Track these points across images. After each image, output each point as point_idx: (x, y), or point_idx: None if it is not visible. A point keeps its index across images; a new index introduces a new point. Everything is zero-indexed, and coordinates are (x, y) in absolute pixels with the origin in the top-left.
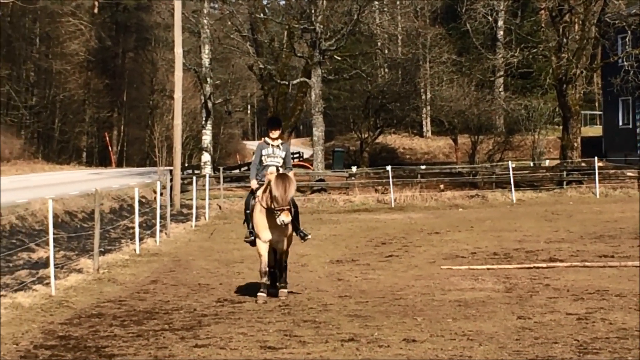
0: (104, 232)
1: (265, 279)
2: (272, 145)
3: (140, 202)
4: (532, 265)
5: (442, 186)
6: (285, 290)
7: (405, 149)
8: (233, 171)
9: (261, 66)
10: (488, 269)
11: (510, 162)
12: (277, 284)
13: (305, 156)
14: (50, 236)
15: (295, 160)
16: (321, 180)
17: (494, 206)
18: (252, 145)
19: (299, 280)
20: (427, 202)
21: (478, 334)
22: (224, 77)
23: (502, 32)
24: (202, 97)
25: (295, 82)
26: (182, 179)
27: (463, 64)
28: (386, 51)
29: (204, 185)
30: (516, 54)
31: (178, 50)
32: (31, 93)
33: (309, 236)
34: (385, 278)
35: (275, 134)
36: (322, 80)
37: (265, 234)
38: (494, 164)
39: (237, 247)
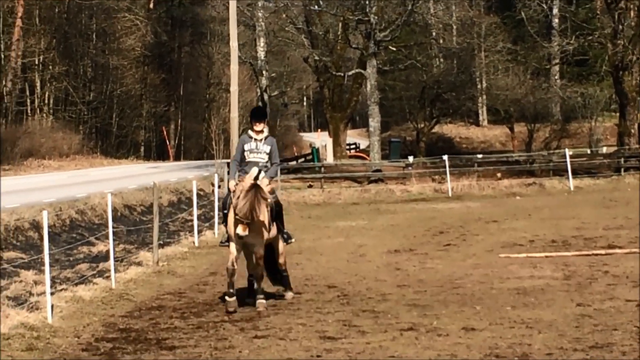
0: (163, 225)
1: (231, 278)
2: (256, 139)
3: (198, 194)
4: (590, 253)
5: (499, 175)
6: (291, 293)
7: (462, 138)
8: (290, 163)
9: (316, 58)
10: (546, 256)
11: (567, 150)
12: (257, 295)
13: (361, 147)
14: (110, 230)
15: (352, 151)
16: (378, 170)
17: (551, 194)
18: (308, 137)
19: (357, 270)
20: (484, 190)
21: (537, 321)
22: (280, 70)
23: (557, 20)
24: (258, 90)
25: (350, 73)
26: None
27: (518, 52)
28: (441, 41)
29: None
30: (572, 42)
31: (233, 43)
32: (89, 89)
33: (293, 240)
34: (444, 267)
35: (259, 126)
36: (377, 71)
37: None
38: (551, 151)
39: (296, 238)
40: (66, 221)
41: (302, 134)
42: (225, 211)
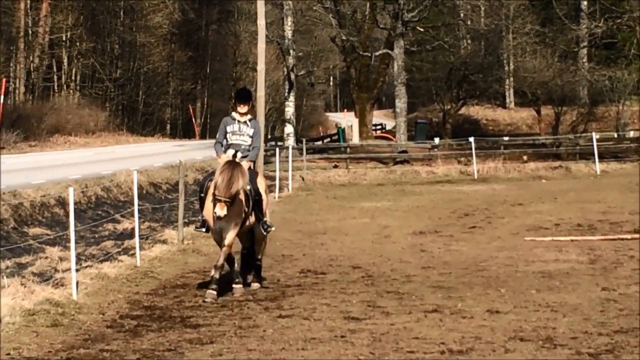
0: (188, 204)
1: (215, 273)
2: (239, 121)
3: None
4: (616, 237)
5: (525, 157)
6: (257, 284)
7: (488, 121)
8: (316, 143)
9: (344, 38)
10: (572, 240)
11: (594, 133)
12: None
13: (387, 128)
14: (135, 207)
15: (378, 132)
16: (404, 151)
17: (577, 177)
18: (334, 117)
19: (382, 251)
20: (510, 173)
21: (562, 305)
22: (307, 49)
23: (585, 3)
24: (285, 69)
25: (377, 53)
26: (265, 150)
27: (546, 34)
28: (469, 22)
29: (287, 157)
30: (600, 25)
31: (261, 22)
32: (115, 66)
33: (272, 228)
34: (469, 249)
35: (243, 108)
36: (404, 51)
37: (212, 221)
38: (578, 135)
39: (320, 218)
40: (92, 198)
41: (328, 114)
42: (202, 194)
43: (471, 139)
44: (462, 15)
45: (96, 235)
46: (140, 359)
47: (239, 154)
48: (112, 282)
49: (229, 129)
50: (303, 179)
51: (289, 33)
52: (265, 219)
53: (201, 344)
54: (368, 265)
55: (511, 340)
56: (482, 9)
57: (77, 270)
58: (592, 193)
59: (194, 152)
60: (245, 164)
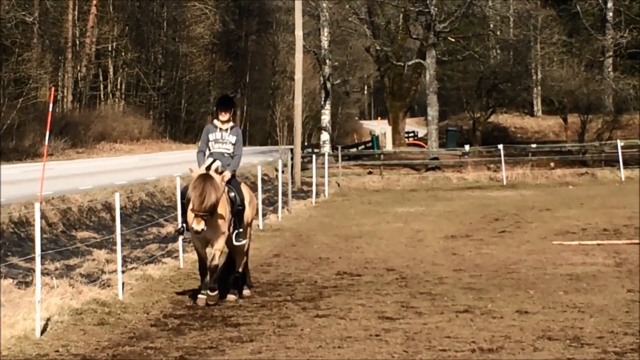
0: None
1: (205, 279)
2: (221, 129)
3: (262, 179)
4: None
5: (552, 164)
6: (248, 291)
7: (517, 128)
8: (351, 150)
9: (378, 48)
10: (598, 244)
11: (618, 141)
12: (202, 290)
13: (419, 135)
14: (179, 212)
15: (411, 139)
16: (435, 158)
17: (603, 184)
18: (368, 124)
19: (415, 254)
20: (538, 179)
21: (589, 306)
22: (342, 59)
23: (611, 14)
24: (321, 78)
25: (410, 63)
26: (302, 157)
27: (573, 44)
28: (498, 33)
29: (323, 164)
30: (625, 35)
31: (298, 33)
32: (159, 75)
33: (243, 242)
34: (499, 253)
35: (225, 116)
36: (436, 61)
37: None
38: (603, 142)
39: (356, 222)
40: (137, 203)
41: (362, 121)
42: (184, 200)
43: (500, 146)
44: (491, 26)
45: (141, 239)
46: (183, 356)
47: (214, 165)
48: (156, 283)
49: (211, 137)
50: (339, 184)
51: (325, 43)
52: (240, 230)
53: (241, 342)
54: (402, 268)
55: (539, 339)
56: (511, 20)
57: (122, 272)
58: (617, 199)
59: None
60: (228, 174)
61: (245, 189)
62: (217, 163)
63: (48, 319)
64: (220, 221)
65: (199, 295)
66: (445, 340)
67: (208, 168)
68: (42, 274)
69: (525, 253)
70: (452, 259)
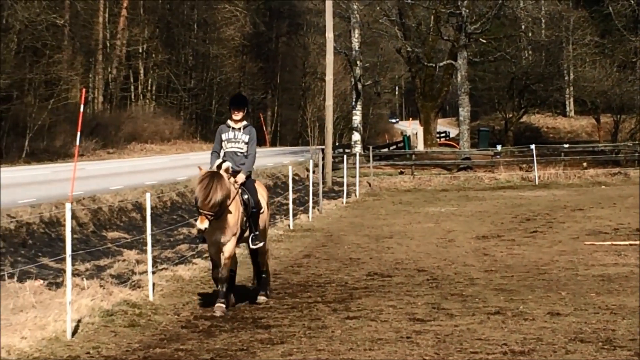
0: None
1: (219, 286)
2: (234, 128)
3: (293, 179)
4: None
5: (585, 164)
6: (264, 298)
7: (549, 128)
8: (382, 150)
9: (409, 49)
10: (631, 244)
11: None
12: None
13: (451, 135)
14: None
15: (442, 139)
16: (467, 158)
17: (635, 183)
18: (400, 125)
19: (446, 255)
20: (571, 179)
21: (621, 308)
22: (373, 60)
23: None
24: (352, 79)
25: (441, 64)
26: (333, 157)
27: (605, 45)
28: (530, 34)
29: (354, 164)
30: None
31: (329, 34)
32: (190, 76)
33: (260, 245)
34: (530, 253)
35: (238, 115)
36: (467, 62)
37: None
38: (636, 142)
39: (387, 222)
40: (167, 203)
41: (393, 121)
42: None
43: (532, 146)
44: (523, 27)
45: (171, 239)
46: (213, 358)
47: (224, 165)
48: (187, 284)
49: (224, 136)
50: (370, 184)
51: (356, 45)
52: (257, 233)
53: (272, 344)
54: (433, 269)
55: (572, 341)
56: (543, 21)
57: (153, 273)
58: None
59: (264, 159)
60: (241, 177)
61: (260, 187)
62: (227, 163)
63: (79, 321)
64: (230, 224)
65: (217, 305)
66: (477, 343)
67: (218, 167)
68: (73, 274)
69: (557, 254)
70: (484, 259)
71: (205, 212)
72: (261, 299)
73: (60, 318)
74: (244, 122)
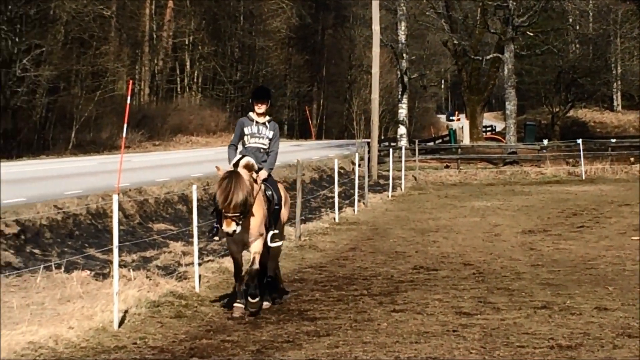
0: (305, 202)
1: (241, 286)
2: (258, 122)
3: (339, 172)
4: None
5: (632, 159)
6: (254, 301)
7: (596, 123)
8: (428, 144)
9: (455, 42)
10: None
11: None
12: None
13: (497, 129)
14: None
15: (488, 133)
16: (513, 152)
17: None
18: (445, 118)
19: (492, 249)
20: (618, 174)
21: None
22: (419, 53)
23: None
24: (398, 72)
25: (488, 57)
26: (379, 150)
27: None
28: (577, 27)
29: (400, 157)
30: None
31: (375, 27)
32: (236, 68)
33: (279, 243)
34: (577, 248)
35: (262, 108)
36: (514, 55)
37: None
38: None
39: (433, 216)
40: (213, 195)
41: (439, 115)
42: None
43: (579, 141)
44: (570, 20)
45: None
46: (259, 349)
47: (244, 161)
48: (232, 276)
49: (246, 130)
50: (415, 178)
51: (402, 37)
52: (276, 231)
53: (318, 336)
54: (479, 263)
55: (619, 336)
56: (591, 14)
57: (199, 264)
58: None
59: (310, 151)
60: (264, 174)
61: (280, 188)
62: (247, 159)
63: (126, 311)
64: (256, 222)
65: (235, 305)
66: (524, 337)
67: (236, 165)
68: (120, 265)
69: (603, 248)
70: (530, 254)
71: (229, 214)
72: (265, 304)
73: (107, 308)
74: (268, 117)
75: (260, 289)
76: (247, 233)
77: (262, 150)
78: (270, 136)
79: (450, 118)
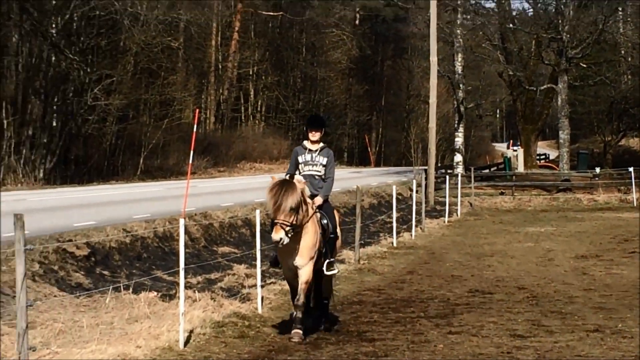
0: (364, 226)
1: (297, 313)
2: (311, 150)
3: (397, 198)
4: None
5: None
6: (300, 332)
7: None
8: (483, 171)
9: (510, 73)
10: None
11: None
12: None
13: (551, 157)
14: None
15: (542, 161)
16: (567, 180)
17: None
18: (500, 147)
19: (546, 274)
20: None
21: None
22: (475, 83)
23: None
24: (455, 102)
25: (542, 88)
26: (436, 177)
27: None
28: (630, 58)
29: (456, 184)
30: None
31: (433, 58)
32: (298, 98)
33: (334, 272)
34: (629, 273)
35: (316, 136)
36: (568, 86)
37: (282, 255)
38: None
39: (488, 241)
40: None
41: (494, 144)
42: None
43: (631, 169)
44: (623, 52)
45: None
46: None
47: (297, 177)
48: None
49: (300, 159)
50: (471, 204)
51: (459, 68)
52: (332, 260)
53: (376, 357)
54: (533, 287)
55: None
56: None
57: (262, 286)
58: None
59: (369, 178)
60: (319, 200)
61: (336, 216)
62: (301, 177)
63: (191, 331)
64: (307, 244)
65: (294, 330)
66: (576, 359)
67: (291, 177)
68: (185, 287)
69: None
70: (582, 278)
71: (279, 221)
72: (324, 326)
73: (173, 328)
74: (321, 144)
75: (309, 313)
76: (299, 257)
77: (317, 177)
78: (325, 163)
79: (514, 148)
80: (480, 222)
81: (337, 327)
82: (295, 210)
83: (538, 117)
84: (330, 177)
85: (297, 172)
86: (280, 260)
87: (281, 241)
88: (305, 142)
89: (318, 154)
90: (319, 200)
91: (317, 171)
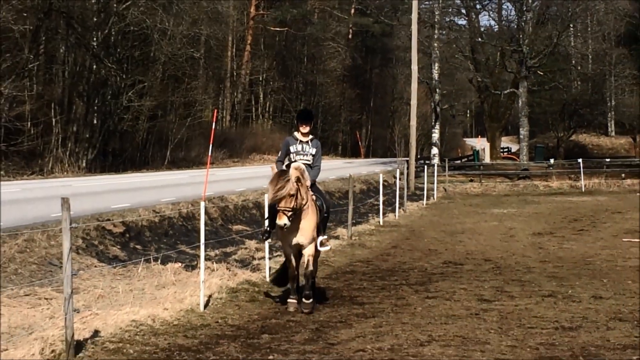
0: (355, 208)
1: (293, 284)
2: (302, 141)
3: (383, 185)
4: None
5: (623, 175)
6: (309, 302)
7: (593, 145)
8: (456, 162)
9: (479, 79)
10: None
11: None
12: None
13: (512, 150)
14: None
15: (505, 153)
16: (526, 169)
17: None
18: (470, 141)
19: (508, 248)
20: (611, 187)
21: None
22: (449, 88)
23: None
24: (432, 104)
25: (506, 92)
26: (416, 167)
27: None
28: (579, 67)
29: (433, 173)
30: None
31: (414, 67)
32: (300, 100)
33: (327, 248)
34: (577, 247)
35: (305, 128)
36: (527, 90)
37: (285, 234)
38: None
39: (459, 221)
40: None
41: (465, 139)
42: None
43: (580, 160)
44: (574, 62)
45: None
46: (318, 328)
47: (295, 164)
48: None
49: (291, 149)
50: (445, 190)
51: (435, 75)
52: (325, 237)
53: (365, 318)
54: (497, 259)
55: (612, 320)
56: (590, 57)
57: (269, 258)
58: None
59: (360, 167)
60: (308, 182)
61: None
62: (298, 163)
63: (210, 296)
64: (310, 226)
65: (289, 300)
66: (533, 320)
67: (288, 166)
68: (205, 259)
69: (599, 248)
70: (539, 252)
71: (281, 208)
72: (307, 302)
73: (195, 293)
74: (311, 136)
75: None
76: (303, 236)
77: (306, 165)
78: (313, 153)
79: (504, 148)
80: (453, 205)
81: (332, 292)
82: (293, 196)
83: (502, 117)
84: (317, 166)
85: (287, 160)
86: (281, 239)
87: (285, 226)
88: (296, 134)
89: (309, 145)
90: (308, 182)
91: (307, 160)
